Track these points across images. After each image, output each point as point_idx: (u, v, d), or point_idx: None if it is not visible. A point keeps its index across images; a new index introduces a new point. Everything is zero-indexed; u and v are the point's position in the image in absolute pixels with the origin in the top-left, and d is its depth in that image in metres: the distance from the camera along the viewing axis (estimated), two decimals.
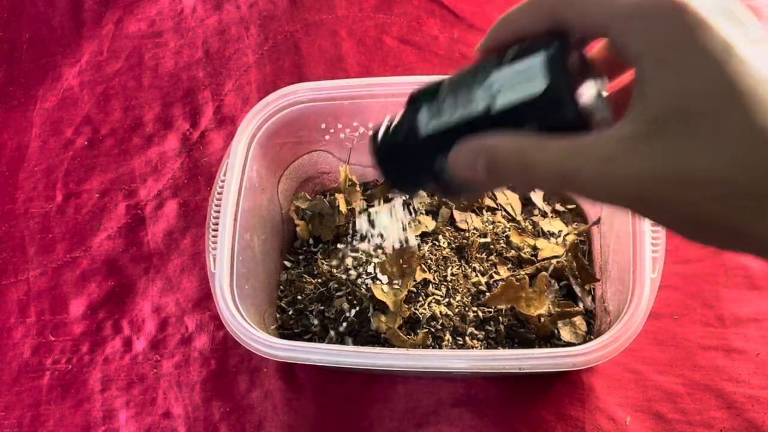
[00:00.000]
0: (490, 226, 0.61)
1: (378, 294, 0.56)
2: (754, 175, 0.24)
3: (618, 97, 0.31)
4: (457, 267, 0.59)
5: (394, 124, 0.35)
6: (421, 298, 0.57)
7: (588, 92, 0.28)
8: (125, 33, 0.81)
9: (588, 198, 0.28)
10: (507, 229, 0.61)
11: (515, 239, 0.60)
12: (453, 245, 0.60)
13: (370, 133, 0.36)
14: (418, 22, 0.78)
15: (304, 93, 0.60)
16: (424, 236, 0.60)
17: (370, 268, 0.58)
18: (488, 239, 0.60)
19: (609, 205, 0.28)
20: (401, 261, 0.57)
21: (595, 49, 0.31)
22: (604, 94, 0.30)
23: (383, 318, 0.55)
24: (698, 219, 0.25)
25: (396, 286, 0.56)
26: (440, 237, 0.60)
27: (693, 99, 0.25)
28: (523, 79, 0.28)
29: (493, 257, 0.60)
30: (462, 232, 0.61)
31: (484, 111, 0.29)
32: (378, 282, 0.57)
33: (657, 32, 0.25)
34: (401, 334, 0.54)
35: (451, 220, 0.61)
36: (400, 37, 0.77)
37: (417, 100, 0.33)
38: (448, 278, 0.58)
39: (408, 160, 0.34)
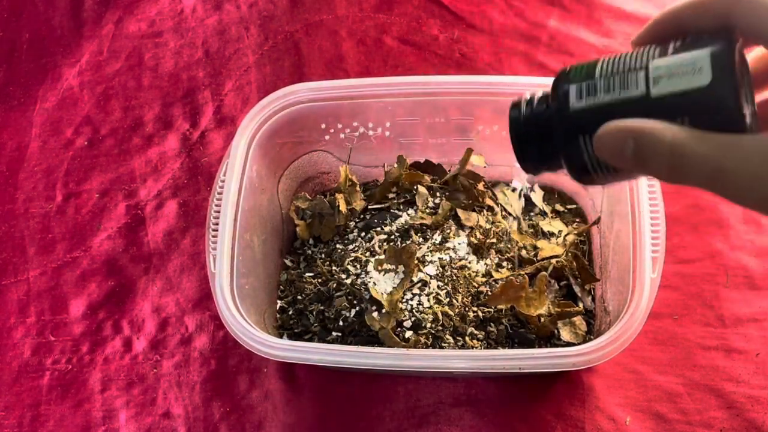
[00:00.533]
0: (491, 225, 0.61)
1: (374, 294, 0.56)
2: None
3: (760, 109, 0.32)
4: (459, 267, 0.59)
5: (539, 96, 0.34)
6: (422, 298, 0.56)
7: (747, 95, 0.28)
8: (125, 33, 0.81)
9: (733, 199, 0.28)
10: (507, 228, 0.61)
11: (515, 236, 0.60)
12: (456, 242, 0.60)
13: (511, 101, 0.35)
14: (418, 22, 0.78)
15: (304, 93, 0.60)
16: (423, 231, 0.60)
17: (370, 268, 0.58)
18: (493, 239, 0.60)
19: (753, 209, 0.28)
20: (399, 260, 0.57)
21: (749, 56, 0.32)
22: (755, 102, 0.30)
23: (377, 316, 0.55)
24: None
25: (393, 286, 0.56)
26: (443, 234, 0.60)
27: None
28: (687, 70, 0.28)
29: (498, 253, 0.60)
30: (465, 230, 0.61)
31: (640, 95, 0.29)
32: (374, 285, 0.57)
33: None
34: (393, 335, 0.54)
35: (456, 218, 0.62)
36: (400, 37, 0.77)
37: (568, 75, 0.32)
38: (449, 276, 0.58)
39: (548, 132, 0.33)
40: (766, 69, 0.32)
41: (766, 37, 0.28)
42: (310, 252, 0.64)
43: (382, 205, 0.64)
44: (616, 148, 0.30)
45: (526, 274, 0.57)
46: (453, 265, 0.58)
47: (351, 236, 0.62)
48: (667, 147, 0.28)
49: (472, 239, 0.59)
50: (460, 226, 0.60)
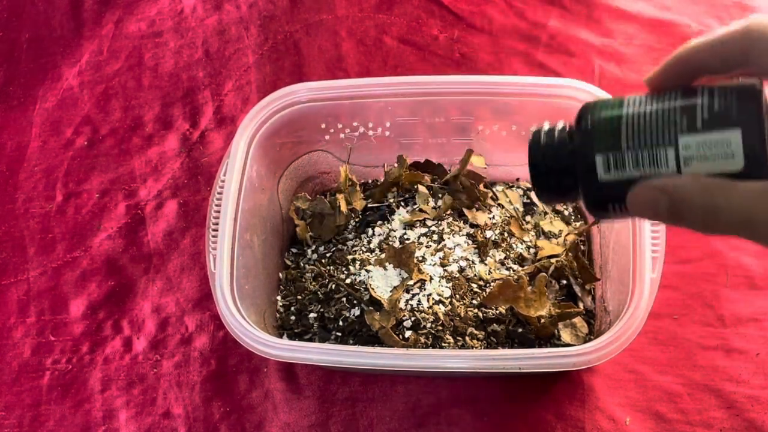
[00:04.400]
0: (493, 224, 0.61)
1: (374, 294, 0.56)
2: None
3: None
4: (460, 265, 0.59)
5: (559, 128, 0.35)
6: (422, 298, 0.56)
7: None
8: (125, 33, 0.81)
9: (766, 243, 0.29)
10: (508, 224, 0.61)
11: (516, 231, 0.60)
12: (457, 239, 0.60)
13: (531, 130, 0.36)
14: (418, 22, 0.78)
15: (304, 93, 0.60)
16: (423, 231, 0.60)
17: (370, 267, 0.58)
18: (497, 237, 0.60)
19: None
20: (399, 260, 0.57)
21: None
22: None
23: (377, 316, 0.55)
24: None
25: (393, 286, 0.57)
26: (443, 234, 0.60)
27: None
28: (719, 154, 0.29)
29: (498, 252, 0.60)
30: (474, 228, 0.61)
31: (671, 174, 0.31)
32: (374, 285, 0.57)
33: None
34: (393, 334, 0.54)
35: (460, 213, 0.61)
36: (400, 37, 0.77)
37: (592, 134, 0.33)
38: (450, 275, 0.58)
39: (570, 170, 0.34)
40: None
41: None
42: (310, 252, 0.64)
43: (382, 205, 0.64)
44: (650, 207, 0.31)
45: (525, 273, 0.57)
46: (453, 265, 0.58)
47: (351, 236, 0.62)
48: (700, 199, 0.29)
49: (479, 237, 0.59)
50: (467, 223, 0.60)
